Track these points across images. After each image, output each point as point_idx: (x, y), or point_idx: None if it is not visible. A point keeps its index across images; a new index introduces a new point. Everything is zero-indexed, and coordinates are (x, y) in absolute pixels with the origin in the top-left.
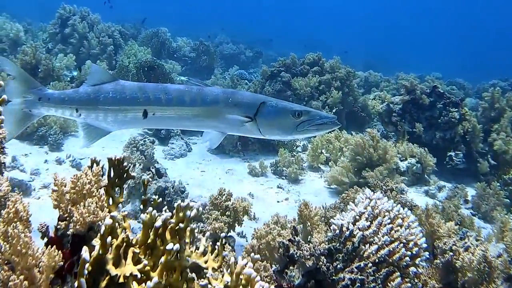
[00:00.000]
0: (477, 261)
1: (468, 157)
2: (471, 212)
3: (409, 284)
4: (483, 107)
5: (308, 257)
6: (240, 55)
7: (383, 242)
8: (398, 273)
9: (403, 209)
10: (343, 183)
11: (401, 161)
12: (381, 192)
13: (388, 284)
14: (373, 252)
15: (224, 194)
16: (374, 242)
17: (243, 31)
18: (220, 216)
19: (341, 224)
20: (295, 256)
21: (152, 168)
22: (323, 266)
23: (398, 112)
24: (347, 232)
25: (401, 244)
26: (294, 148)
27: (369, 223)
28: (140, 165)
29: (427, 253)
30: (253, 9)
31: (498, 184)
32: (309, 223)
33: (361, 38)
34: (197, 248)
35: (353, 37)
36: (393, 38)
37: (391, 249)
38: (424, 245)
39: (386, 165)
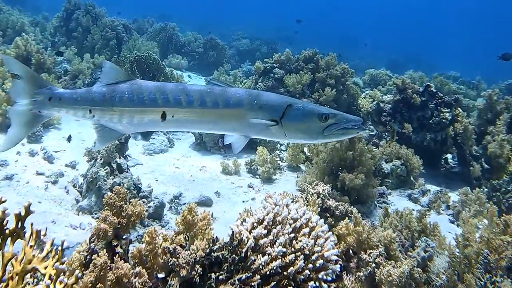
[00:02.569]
0: (398, 276)
1: (462, 160)
2: (449, 219)
3: None
4: (480, 108)
5: (184, 265)
6: (256, 52)
7: (277, 253)
8: None
9: (315, 217)
10: None
11: (386, 162)
12: (304, 198)
13: None
14: (263, 263)
15: (120, 194)
16: (268, 252)
17: (268, 28)
18: (111, 217)
19: (233, 231)
20: (169, 264)
21: (113, 163)
22: (196, 277)
23: (388, 111)
24: (237, 240)
25: (301, 256)
26: (277, 146)
27: (266, 231)
28: (101, 159)
29: (338, 266)
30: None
31: (486, 189)
32: (194, 229)
33: (390, 35)
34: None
35: (381, 34)
36: (423, 36)
37: (288, 261)
38: (334, 258)
39: (362, 167)
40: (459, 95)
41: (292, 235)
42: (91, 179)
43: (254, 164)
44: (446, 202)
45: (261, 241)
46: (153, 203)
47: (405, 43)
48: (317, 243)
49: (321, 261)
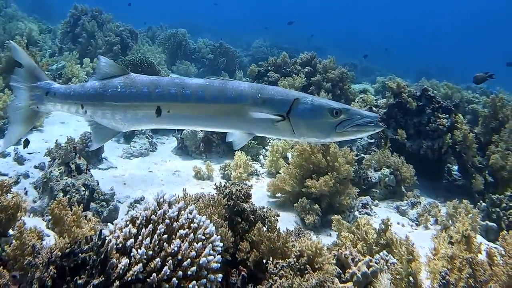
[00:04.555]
0: None
1: (464, 172)
2: (433, 234)
3: None
4: (483, 115)
5: (39, 265)
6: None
7: (140, 256)
8: None
9: (199, 217)
10: (285, 192)
11: (375, 171)
12: (210, 198)
13: None
14: (123, 267)
15: (4, 186)
16: (132, 255)
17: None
18: None
19: (101, 230)
20: (25, 263)
21: (72, 163)
22: (48, 280)
23: (382, 116)
24: (100, 240)
25: (171, 261)
26: (261, 152)
27: (136, 230)
28: (59, 160)
29: (219, 275)
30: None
31: (485, 204)
32: (61, 225)
33: (422, 47)
34: None
35: (413, 45)
36: (456, 47)
37: (153, 267)
38: (214, 265)
39: (334, 173)
40: (475, 104)
41: (165, 236)
42: (45, 180)
43: (228, 169)
44: (435, 216)
45: (128, 242)
46: (108, 207)
47: (437, 54)
48: (193, 247)
49: (194, 268)
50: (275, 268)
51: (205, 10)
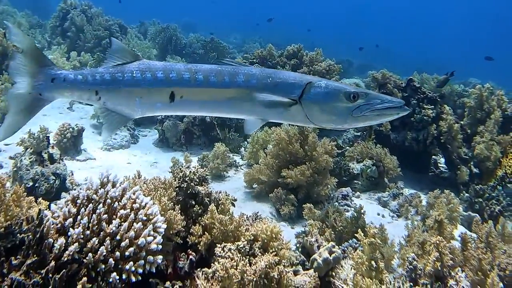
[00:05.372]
0: (240, 273)
1: (449, 164)
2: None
3: None
4: (469, 105)
5: None
6: None
7: (76, 235)
8: (85, 279)
9: (142, 198)
10: (261, 182)
11: (358, 162)
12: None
13: None
14: (59, 247)
15: None
16: (69, 234)
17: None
18: None
19: (40, 209)
20: None
21: (45, 153)
22: None
23: None
24: (38, 220)
25: (109, 241)
26: (243, 144)
27: (75, 210)
28: (31, 149)
29: (159, 257)
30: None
31: (468, 195)
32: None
33: (423, 45)
34: None
35: (415, 43)
36: (455, 46)
37: (91, 247)
38: (153, 246)
39: (312, 163)
40: (465, 98)
41: (105, 216)
42: (15, 169)
43: (206, 160)
44: (415, 207)
45: (67, 222)
46: None
47: (437, 53)
48: (132, 227)
49: (132, 249)
50: (222, 251)
51: (201, 8)
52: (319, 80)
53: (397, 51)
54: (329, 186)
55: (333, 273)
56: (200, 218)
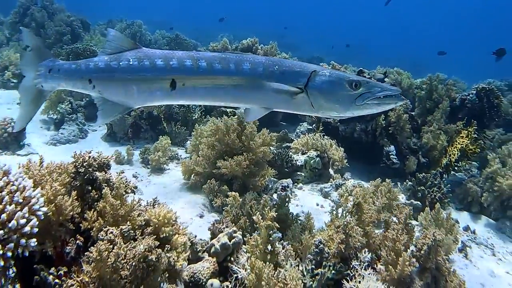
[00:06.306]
0: (115, 255)
1: (399, 155)
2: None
3: None
4: (419, 95)
5: None
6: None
7: None
8: None
9: (22, 181)
10: (197, 174)
11: (303, 154)
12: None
13: None
14: None
15: None
16: None
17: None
18: None
19: None
20: None
21: None
22: None
23: None
24: None
25: None
26: (188, 137)
27: None
28: None
29: (33, 240)
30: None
31: (411, 183)
32: None
33: (403, 44)
34: None
35: (393, 42)
36: (432, 44)
37: None
38: (27, 229)
39: (250, 154)
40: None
41: None
42: None
43: (147, 153)
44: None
45: None
46: None
47: (415, 51)
48: (5, 210)
49: (1, 231)
50: (104, 234)
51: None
52: (323, 68)
53: (374, 49)
54: (266, 177)
55: (232, 258)
56: (96, 203)
